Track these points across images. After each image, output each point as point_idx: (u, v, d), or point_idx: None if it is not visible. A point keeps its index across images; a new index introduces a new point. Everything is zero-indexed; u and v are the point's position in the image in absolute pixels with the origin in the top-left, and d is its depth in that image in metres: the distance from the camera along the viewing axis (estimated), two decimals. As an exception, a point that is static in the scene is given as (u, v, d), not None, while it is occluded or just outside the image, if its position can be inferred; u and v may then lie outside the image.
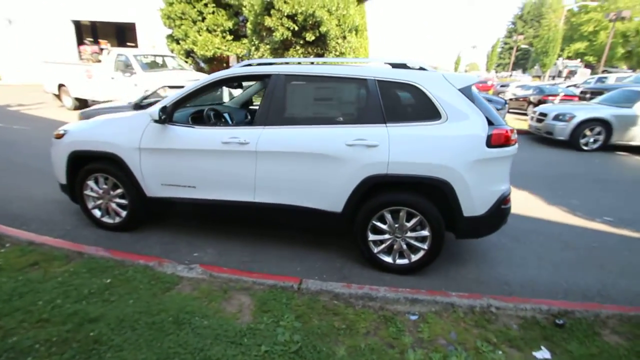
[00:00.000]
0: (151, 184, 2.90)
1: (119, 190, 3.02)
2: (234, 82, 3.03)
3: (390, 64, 2.75)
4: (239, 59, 12.83)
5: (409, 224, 2.57)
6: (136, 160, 2.85)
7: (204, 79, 2.85)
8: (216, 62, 15.77)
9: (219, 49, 14.94)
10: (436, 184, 2.46)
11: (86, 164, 3.02)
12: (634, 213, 4.18)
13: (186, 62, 13.43)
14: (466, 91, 2.51)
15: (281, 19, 10.41)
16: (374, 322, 2.11)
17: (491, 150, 2.44)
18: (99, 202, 3.13)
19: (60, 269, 2.43)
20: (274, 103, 2.67)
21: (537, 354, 1.94)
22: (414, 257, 2.65)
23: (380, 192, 2.57)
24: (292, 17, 10.35)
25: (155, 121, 2.71)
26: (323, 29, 10.37)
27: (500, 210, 2.57)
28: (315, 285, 2.35)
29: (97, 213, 3.18)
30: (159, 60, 10.18)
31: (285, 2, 10.17)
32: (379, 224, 2.61)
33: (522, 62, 52.29)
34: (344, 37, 11.52)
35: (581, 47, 44.19)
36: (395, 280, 2.61)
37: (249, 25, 11.82)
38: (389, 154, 2.46)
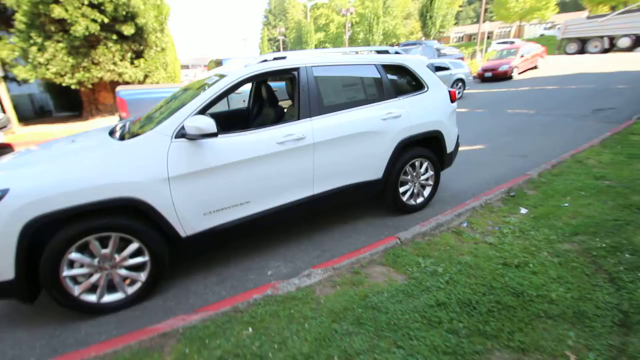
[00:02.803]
0: (190, 218, 2.24)
1: (133, 247, 2.13)
2: (259, 79, 2.63)
3: (376, 51, 3.24)
4: (4, 65, 8.78)
5: (422, 170, 3.33)
6: (166, 195, 2.14)
7: (226, 80, 2.41)
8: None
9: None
10: (435, 135, 3.28)
11: (62, 228, 1.95)
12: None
13: None
14: (429, 67, 3.38)
15: (81, 8, 7.98)
16: (453, 235, 2.84)
17: (453, 104, 3.46)
18: (95, 277, 2.09)
19: None
20: (311, 94, 2.65)
21: (522, 210, 3.24)
22: (426, 195, 3.45)
23: (405, 151, 3.15)
24: (97, 7, 8.14)
25: (193, 137, 2.14)
26: (141, 20, 8.77)
27: (457, 145, 3.71)
28: (406, 234, 2.76)
29: (90, 297, 2.11)
30: None
31: (86, -12, 7.84)
32: (402, 177, 3.22)
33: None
34: (162, 30, 10.15)
35: (321, 36, 54.79)
36: (419, 215, 3.36)
37: (19, 17, 8.29)
38: (409, 121, 3.07)
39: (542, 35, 33.44)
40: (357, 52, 3.15)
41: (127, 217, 2.11)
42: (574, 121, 7.06)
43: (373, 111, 2.90)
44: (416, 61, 3.26)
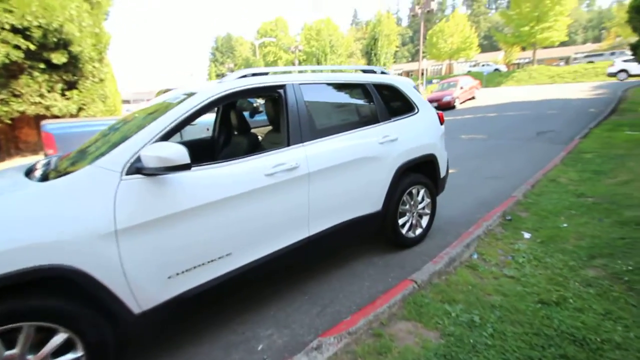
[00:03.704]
0: (148, 285, 1.57)
1: (57, 339, 1.40)
2: (235, 98, 2.08)
3: (362, 70, 2.94)
4: None
5: (419, 198, 2.98)
6: (111, 256, 1.46)
7: (197, 98, 1.86)
8: None
9: None
10: (429, 159, 2.99)
11: None
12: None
13: None
14: (415, 88, 3.17)
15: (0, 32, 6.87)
16: (469, 270, 2.46)
17: (442, 126, 3.25)
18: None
19: None
20: (302, 116, 2.20)
21: (525, 235, 3.01)
22: (424, 225, 3.08)
23: (402, 178, 2.77)
24: (21, 32, 7.06)
25: (154, 172, 1.54)
26: (76, 48, 7.81)
27: (447, 169, 3.47)
28: (421, 275, 2.31)
29: None
30: None
31: (8, 11, 6.74)
32: (401, 207, 2.83)
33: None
34: (101, 60, 9.20)
35: (271, 72, 55.78)
36: (419, 248, 2.98)
37: None
38: (406, 144, 2.74)
39: (469, 71, 37.65)
40: (342, 71, 2.82)
41: (49, 294, 1.40)
42: (524, 143, 7.49)
43: (369, 135, 2.53)
44: (404, 82, 3.03)
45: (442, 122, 3.22)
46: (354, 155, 2.38)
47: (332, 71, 2.70)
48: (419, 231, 3.02)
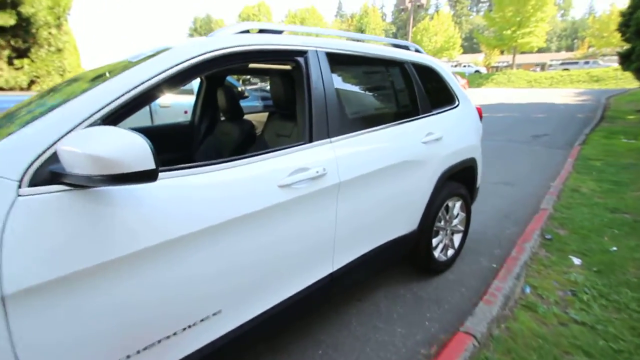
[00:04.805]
0: None
1: None
2: (231, 64, 1.31)
3: (393, 45, 2.24)
4: None
5: (455, 212, 2.38)
6: None
7: (171, 57, 1.11)
8: None
9: None
10: (470, 164, 2.39)
11: None
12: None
13: None
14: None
15: None
16: (528, 313, 1.90)
17: (480, 124, 2.66)
18: None
19: None
20: (329, 100, 1.50)
21: (574, 260, 2.49)
22: (456, 245, 2.49)
23: (443, 189, 2.15)
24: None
25: (85, 183, 0.80)
26: (27, 10, 6.53)
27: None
28: (478, 325, 1.70)
29: None
30: None
31: None
32: (436, 224, 2.22)
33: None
34: (59, 27, 7.90)
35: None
36: (452, 275, 2.39)
37: None
38: (450, 145, 2.11)
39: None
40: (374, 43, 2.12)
41: None
42: (521, 146, 7.17)
43: (410, 130, 1.88)
44: (443, 65, 2.39)
45: (480, 118, 2.63)
46: (395, 158, 1.72)
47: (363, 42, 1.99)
48: (450, 252, 2.43)
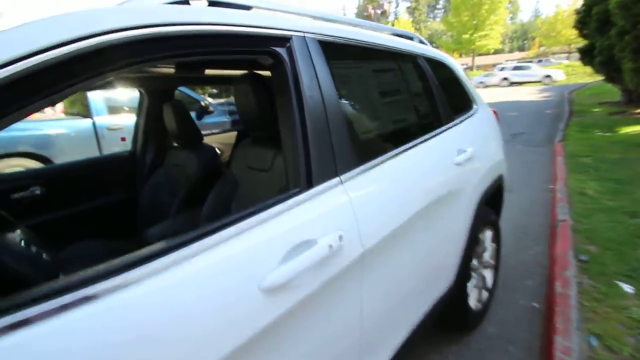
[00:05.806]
0: None
1: None
2: (146, 60, 0.69)
3: (394, 34, 1.71)
4: None
5: (487, 245, 1.87)
6: None
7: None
8: None
9: None
10: (499, 184, 1.90)
11: None
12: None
13: None
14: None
15: None
16: None
17: (499, 130, 2.20)
18: None
19: None
20: (330, 113, 0.91)
21: (625, 288, 2.05)
22: (489, 284, 1.97)
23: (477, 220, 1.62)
24: None
25: None
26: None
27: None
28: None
29: None
30: None
31: None
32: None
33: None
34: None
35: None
36: (493, 328, 1.87)
37: None
38: (481, 162, 1.60)
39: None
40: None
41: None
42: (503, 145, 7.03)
43: (439, 149, 1.34)
44: (454, 60, 1.90)
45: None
46: (430, 193, 1.16)
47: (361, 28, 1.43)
48: (485, 296, 1.91)
